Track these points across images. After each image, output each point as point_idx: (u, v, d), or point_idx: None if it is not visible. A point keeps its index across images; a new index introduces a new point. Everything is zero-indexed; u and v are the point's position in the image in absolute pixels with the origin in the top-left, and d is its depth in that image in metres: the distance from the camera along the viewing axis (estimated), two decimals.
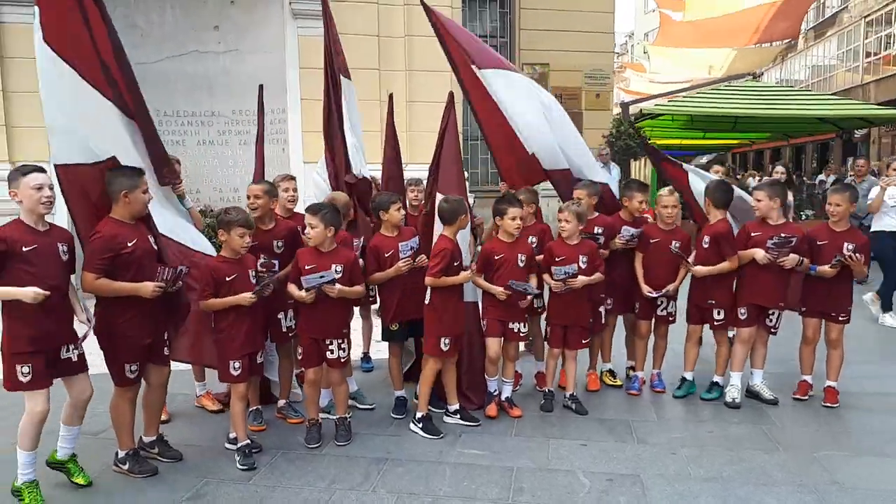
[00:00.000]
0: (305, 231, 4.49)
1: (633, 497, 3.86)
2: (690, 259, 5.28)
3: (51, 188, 3.69)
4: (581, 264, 4.95)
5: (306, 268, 4.34)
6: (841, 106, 15.43)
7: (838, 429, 4.87)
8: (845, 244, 5.04)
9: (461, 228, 4.82)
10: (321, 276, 4.22)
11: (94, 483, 3.96)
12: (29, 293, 3.49)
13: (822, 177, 17.13)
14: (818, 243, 5.14)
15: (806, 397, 5.32)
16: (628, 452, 4.44)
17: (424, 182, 5.51)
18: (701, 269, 5.19)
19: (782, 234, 4.93)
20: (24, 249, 3.54)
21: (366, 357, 6.15)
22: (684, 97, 15.88)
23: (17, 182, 3.61)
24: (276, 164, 8.33)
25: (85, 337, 3.86)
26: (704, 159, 21.03)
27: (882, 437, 4.67)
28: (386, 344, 5.20)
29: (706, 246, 5.19)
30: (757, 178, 23.43)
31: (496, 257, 4.92)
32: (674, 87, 21.28)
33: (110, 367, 4.00)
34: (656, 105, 15.09)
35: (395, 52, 9.57)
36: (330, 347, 4.41)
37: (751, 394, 5.33)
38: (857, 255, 4.96)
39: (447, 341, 4.69)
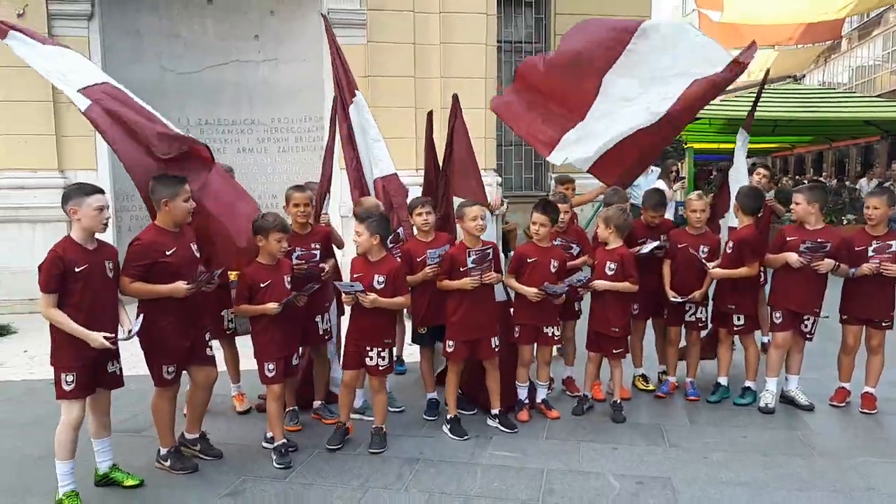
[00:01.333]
0: (353, 238, 4.60)
1: (663, 500, 3.87)
2: (712, 264, 5.25)
3: (108, 208, 3.87)
4: (607, 271, 4.98)
5: (354, 276, 4.45)
6: (886, 107, 15.12)
7: (876, 435, 4.80)
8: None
9: (468, 233, 4.79)
10: (351, 285, 4.31)
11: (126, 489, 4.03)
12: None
13: (863, 182, 16.72)
14: (856, 249, 5.08)
15: (843, 404, 5.26)
16: (659, 456, 4.44)
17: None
18: (717, 272, 5.17)
19: (818, 240, 4.90)
20: (76, 270, 3.68)
21: (399, 360, 6.22)
22: (722, 100, 15.70)
23: (80, 201, 3.73)
24: (313, 170, 8.47)
25: (129, 335, 3.91)
26: None
27: None
28: (418, 347, 5.29)
29: (730, 251, 5.18)
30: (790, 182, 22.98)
31: (528, 260, 4.97)
32: None
33: (150, 368, 4.14)
34: None
35: (430, 59, 9.67)
36: (370, 354, 4.47)
37: (786, 399, 5.29)
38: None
39: (452, 344, 4.75)
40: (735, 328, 5.29)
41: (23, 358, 6.45)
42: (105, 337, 3.69)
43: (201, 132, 9.62)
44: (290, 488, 4.03)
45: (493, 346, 4.82)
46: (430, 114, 6.01)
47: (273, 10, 9.73)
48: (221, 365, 4.86)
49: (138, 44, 9.26)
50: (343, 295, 4.36)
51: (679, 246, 5.35)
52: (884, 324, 5.13)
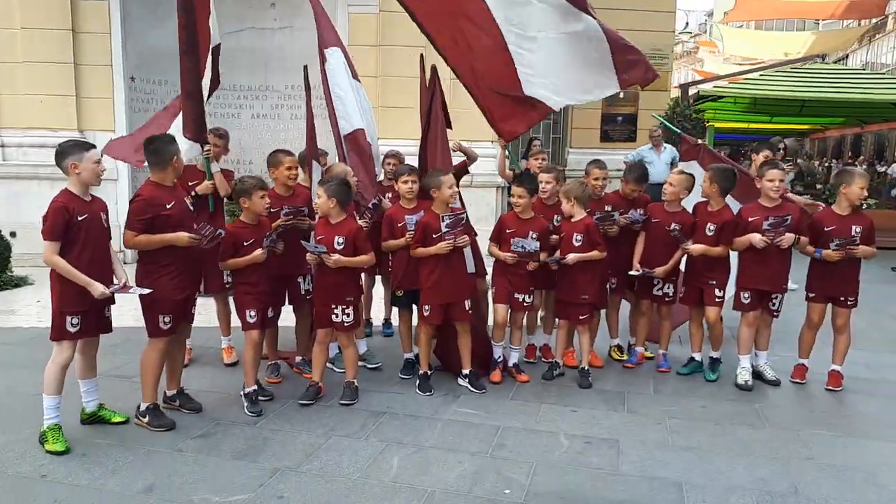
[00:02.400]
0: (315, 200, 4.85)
1: (605, 458, 4.06)
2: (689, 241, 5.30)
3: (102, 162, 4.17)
4: (575, 242, 5.13)
5: (318, 238, 4.72)
6: None
7: (834, 411, 4.91)
8: (852, 227, 5.04)
9: (443, 201, 4.96)
10: (315, 246, 4.57)
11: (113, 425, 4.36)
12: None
13: (894, 167, 16.37)
14: (825, 228, 5.14)
15: (803, 381, 5.35)
16: (615, 420, 4.63)
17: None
18: (696, 248, 5.23)
19: (778, 216, 4.98)
20: (79, 218, 3.98)
21: (387, 323, 6.48)
22: (746, 79, 15.48)
23: (81, 156, 4.02)
24: (320, 139, 8.70)
25: (122, 287, 4.16)
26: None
27: (877, 422, 4.72)
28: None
29: (710, 234, 5.22)
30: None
31: (507, 231, 5.16)
32: (741, 69, 20.66)
33: (146, 318, 4.38)
34: (715, 87, 14.77)
35: None
36: (335, 312, 4.72)
37: (754, 374, 5.39)
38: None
39: (428, 308, 4.98)
40: (716, 299, 5.35)
41: (35, 307, 6.85)
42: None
43: (217, 97, 9.84)
44: (258, 433, 4.32)
45: (466, 308, 5.05)
46: (421, 56, 5.79)
47: None
48: (212, 321, 5.18)
49: (157, 10, 9.50)
50: (307, 254, 4.61)
51: (653, 221, 5.46)
52: (848, 302, 5.20)
